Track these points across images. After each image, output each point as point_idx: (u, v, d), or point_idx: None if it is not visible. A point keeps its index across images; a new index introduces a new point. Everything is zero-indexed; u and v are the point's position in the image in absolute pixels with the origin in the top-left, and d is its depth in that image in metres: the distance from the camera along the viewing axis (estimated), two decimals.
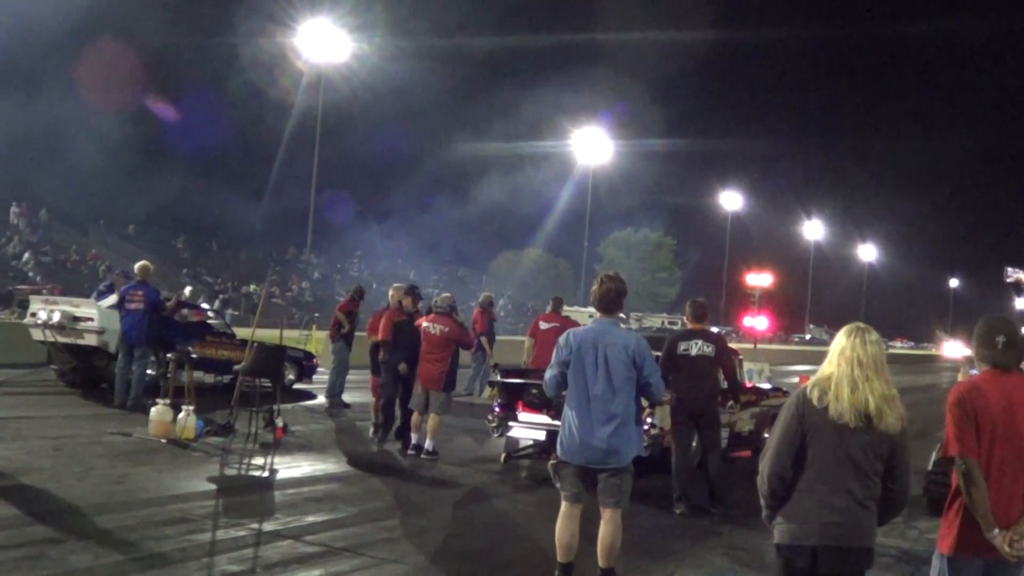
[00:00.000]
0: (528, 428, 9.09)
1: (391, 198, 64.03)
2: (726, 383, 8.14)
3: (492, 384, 9.75)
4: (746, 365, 11.40)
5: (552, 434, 7.07)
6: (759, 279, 57.95)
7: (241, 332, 14.44)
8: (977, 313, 4.12)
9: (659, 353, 7.19)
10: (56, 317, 12.20)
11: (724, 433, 8.67)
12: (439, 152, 62.98)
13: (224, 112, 51.99)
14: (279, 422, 9.46)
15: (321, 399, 13.68)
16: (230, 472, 8.10)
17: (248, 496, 7.30)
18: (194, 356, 10.81)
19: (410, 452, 9.49)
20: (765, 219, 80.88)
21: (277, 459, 8.64)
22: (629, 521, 5.48)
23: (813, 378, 3.55)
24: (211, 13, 49.00)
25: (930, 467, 8.14)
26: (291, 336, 18.79)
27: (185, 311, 13.49)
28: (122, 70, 43.35)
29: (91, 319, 12.21)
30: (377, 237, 56.23)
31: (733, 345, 11.52)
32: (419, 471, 8.83)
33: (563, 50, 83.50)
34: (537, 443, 9.28)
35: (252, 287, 43.27)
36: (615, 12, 75.91)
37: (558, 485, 5.30)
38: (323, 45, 43.30)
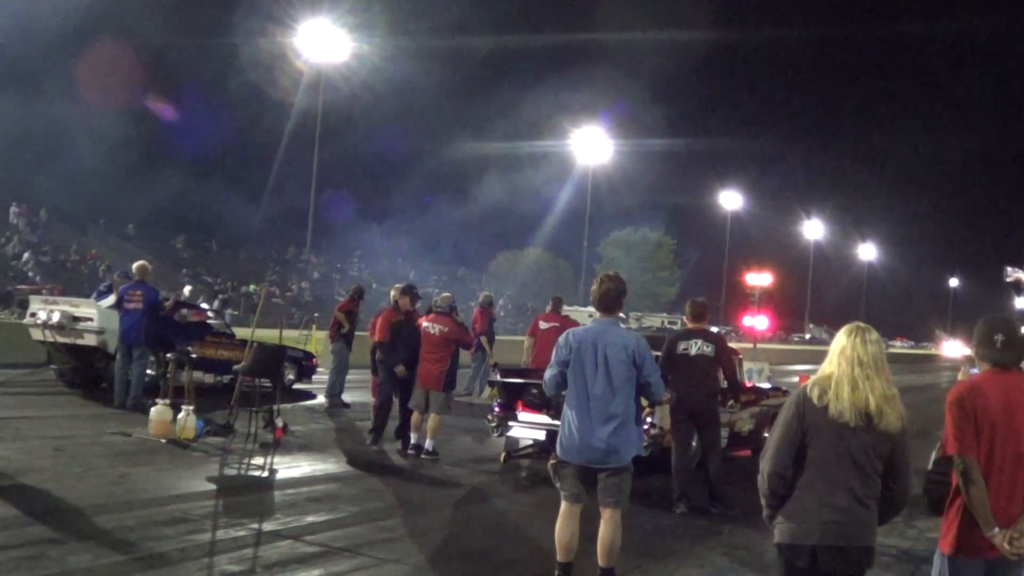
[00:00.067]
0: (528, 428, 9.09)
1: (391, 198, 64.10)
2: (726, 383, 8.14)
3: (492, 384, 9.74)
4: (746, 365, 11.40)
5: (552, 434, 7.07)
6: (759, 279, 58.01)
7: (241, 332, 14.44)
8: (977, 313, 4.13)
9: (659, 353, 7.20)
10: (56, 317, 12.20)
11: (724, 433, 8.67)
12: (439, 152, 63.11)
13: (224, 112, 52.08)
14: (279, 422, 9.46)
15: (321, 399, 13.68)
16: (230, 472, 8.09)
17: (248, 496, 7.30)
18: (194, 356, 10.81)
19: (410, 452, 9.49)
20: (765, 219, 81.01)
21: (277, 459, 8.64)
22: (629, 521, 5.48)
23: (813, 377, 3.55)
24: (211, 13, 49.08)
25: (930, 466, 8.14)
26: (291, 336, 18.77)
27: (185, 311, 13.48)
28: (122, 70, 43.39)
29: (91, 319, 12.20)
30: (377, 237, 56.21)
31: (733, 345, 11.52)
32: (419, 471, 8.83)
33: (563, 50, 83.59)
34: (537, 443, 9.28)
35: (252, 287, 43.23)
36: (615, 12, 76.04)
37: (558, 485, 5.29)
38: (323, 45, 43.29)
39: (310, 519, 6.54)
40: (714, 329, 9.97)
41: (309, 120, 45.44)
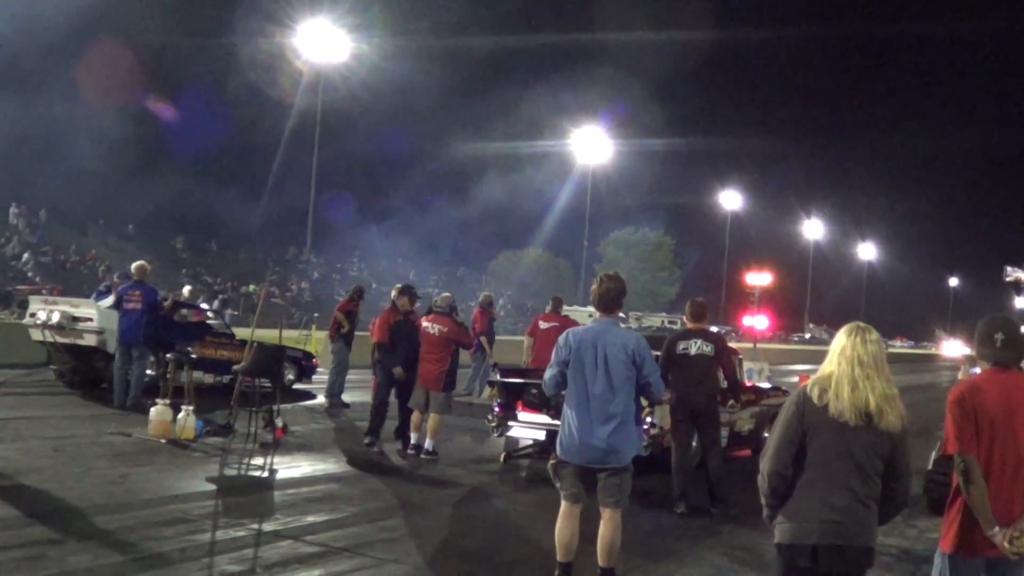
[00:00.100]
0: (528, 428, 9.09)
1: (390, 198, 64.02)
2: (726, 382, 8.14)
3: (492, 384, 9.74)
4: (746, 364, 11.40)
5: (552, 434, 7.07)
6: (759, 278, 57.99)
7: (240, 332, 14.44)
8: (977, 312, 4.14)
9: (658, 352, 7.20)
10: (55, 317, 12.20)
11: (724, 432, 8.66)
12: (438, 152, 63.06)
13: (223, 112, 52.04)
14: (279, 422, 9.46)
15: (321, 399, 13.67)
16: (230, 472, 8.09)
17: (248, 496, 7.30)
18: (193, 356, 10.80)
19: (410, 452, 9.49)
20: (765, 218, 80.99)
21: (277, 459, 8.64)
22: (629, 521, 5.48)
23: (813, 377, 3.55)
24: (211, 13, 48.98)
25: (930, 466, 8.14)
26: (290, 336, 18.79)
27: (184, 311, 13.48)
28: (121, 70, 43.37)
29: (90, 319, 12.20)
30: (376, 237, 56.22)
31: (733, 344, 11.52)
32: (419, 471, 8.83)
33: (563, 50, 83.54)
34: (537, 443, 9.28)
35: (251, 287, 43.26)
36: (615, 12, 75.85)
37: (558, 485, 5.29)
38: (322, 45, 43.30)
39: (310, 519, 6.54)
40: (714, 329, 9.97)
41: (309, 120, 45.49)
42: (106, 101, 42.52)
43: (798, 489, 3.47)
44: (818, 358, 3.95)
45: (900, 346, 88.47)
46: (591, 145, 55.39)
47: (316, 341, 20.06)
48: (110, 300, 12.25)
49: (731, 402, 9.01)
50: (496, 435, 9.40)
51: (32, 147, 42.96)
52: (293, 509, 6.81)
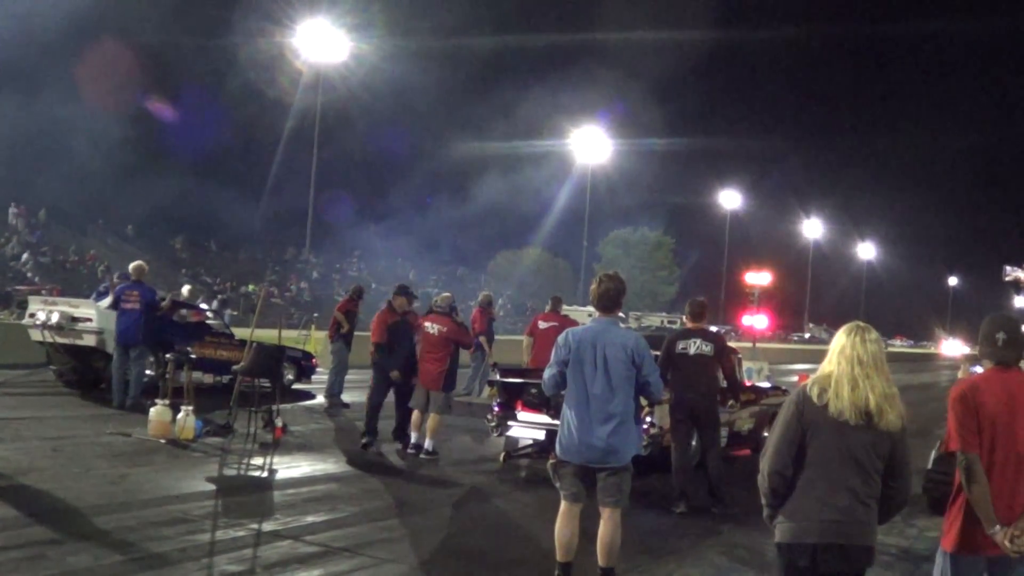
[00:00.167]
0: (527, 427, 9.09)
1: (390, 198, 64.05)
2: (725, 382, 8.13)
3: (491, 383, 9.74)
4: (745, 364, 11.40)
5: (551, 433, 7.06)
6: (758, 278, 57.88)
7: (240, 332, 14.43)
8: (976, 312, 4.16)
9: (658, 352, 7.20)
10: (55, 318, 12.19)
11: (724, 432, 8.67)
12: (438, 152, 63.06)
13: (223, 112, 52.00)
14: (278, 422, 9.45)
15: (320, 399, 13.67)
16: (229, 472, 8.09)
17: (247, 496, 7.29)
18: (193, 356, 10.80)
19: (410, 451, 9.48)
20: (764, 218, 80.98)
21: (276, 459, 8.63)
22: (629, 520, 5.48)
23: (813, 376, 3.55)
24: (210, 13, 49.01)
25: (930, 465, 8.14)
26: (290, 336, 18.79)
27: (184, 311, 13.48)
28: (121, 70, 43.36)
29: (90, 319, 12.19)
30: (376, 237, 56.19)
31: (732, 344, 11.52)
32: (419, 471, 8.82)
33: (563, 50, 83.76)
34: (536, 443, 9.27)
35: (251, 287, 43.26)
36: (615, 12, 75.85)
37: (557, 484, 5.29)
38: (322, 45, 43.31)
39: (310, 519, 6.53)
40: (713, 328, 9.96)
41: (308, 120, 45.50)
42: (106, 101, 42.52)
43: (798, 489, 3.46)
44: (818, 357, 3.94)
45: (900, 345, 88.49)
46: (590, 145, 55.40)
47: (315, 341, 20.06)
48: (109, 300, 12.24)
49: (731, 402, 9.03)
50: (496, 435, 9.39)
51: (32, 147, 42.94)
52: (293, 509, 6.80)
